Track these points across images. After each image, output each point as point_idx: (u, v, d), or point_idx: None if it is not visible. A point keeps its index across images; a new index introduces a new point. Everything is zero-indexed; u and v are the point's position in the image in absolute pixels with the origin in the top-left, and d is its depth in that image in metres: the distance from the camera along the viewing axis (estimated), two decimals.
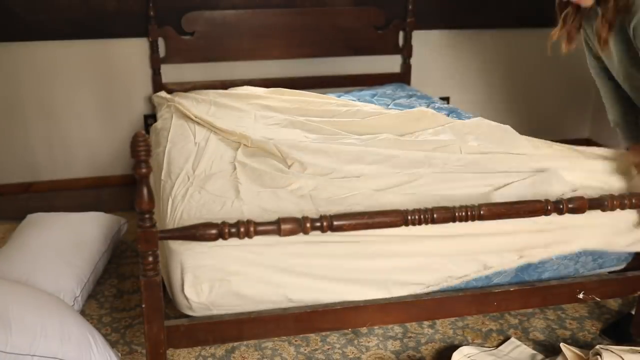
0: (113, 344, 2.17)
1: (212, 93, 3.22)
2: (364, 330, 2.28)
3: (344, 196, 1.94)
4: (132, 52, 3.38)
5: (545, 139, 4.15)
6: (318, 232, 1.57)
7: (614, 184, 2.07)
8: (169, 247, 1.71)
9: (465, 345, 2.19)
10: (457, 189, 1.99)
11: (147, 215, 1.49)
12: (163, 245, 1.74)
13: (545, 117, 4.17)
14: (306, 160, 2.20)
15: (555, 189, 1.98)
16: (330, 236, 1.69)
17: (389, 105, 3.13)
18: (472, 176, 2.10)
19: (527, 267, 1.93)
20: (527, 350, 2.17)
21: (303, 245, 1.73)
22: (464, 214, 1.61)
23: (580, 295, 1.92)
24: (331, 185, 2.01)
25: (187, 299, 1.69)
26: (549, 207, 1.67)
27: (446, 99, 3.81)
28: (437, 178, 2.08)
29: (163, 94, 3.28)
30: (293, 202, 1.92)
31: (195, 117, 2.78)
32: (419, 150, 2.33)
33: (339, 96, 3.31)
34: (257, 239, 1.65)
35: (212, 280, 1.68)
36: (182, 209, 1.89)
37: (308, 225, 1.53)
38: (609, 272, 2.06)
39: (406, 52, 3.67)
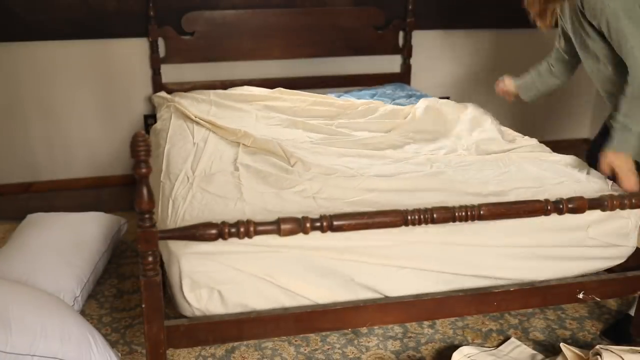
0: (113, 344, 2.17)
1: (212, 93, 3.22)
2: (364, 330, 2.28)
3: (349, 200, 1.93)
4: (132, 52, 3.38)
5: (545, 139, 4.15)
6: (318, 232, 1.58)
7: None
8: (168, 249, 1.70)
9: (465, 345, 2.19)
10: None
11: (147, 215, 1.49)
12: (164, 246, 1.74)
13: (545, 117, 4.17)
14: (310, 160, 2.20)
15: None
16: (331, 241, 1.70)
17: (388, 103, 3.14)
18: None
19: None
20: (527, 350, 2.17)
21: (304, 253, 1.73)
22: (463, 214, 1.61)
23: (580, 295, 1.92)
24: (336, 188, 2.00)
25: (188, 303, 1.69)
26: (549, 207, 1.67)
27: (446, 99, 3.82)
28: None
29: (163, 94, 3.28)
30: (297, 203, 1.91)
31: (195, 117, 2.78)
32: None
33: (338, 96, 3.32)
34: (258, 246, 1.66)
35: (210, 287, 1.68)
36: (184, 209, 1.88)
37: (308, 225, 1.53)
38: (609, 272, 2.06)
39: (406, 52, 3.67)
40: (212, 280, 1.68)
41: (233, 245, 1.65)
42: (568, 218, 1.84)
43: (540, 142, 2.53)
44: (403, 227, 1.65)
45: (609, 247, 1.96)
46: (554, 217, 1.77)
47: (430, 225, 1.67)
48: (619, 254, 1.99)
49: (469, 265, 1.84)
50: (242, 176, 2.12)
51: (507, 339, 2.24)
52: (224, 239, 1.50)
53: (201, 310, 1.70)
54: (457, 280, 1.85)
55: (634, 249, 2.00)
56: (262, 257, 1.70)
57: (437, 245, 1.81)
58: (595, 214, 1.87)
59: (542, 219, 1.80)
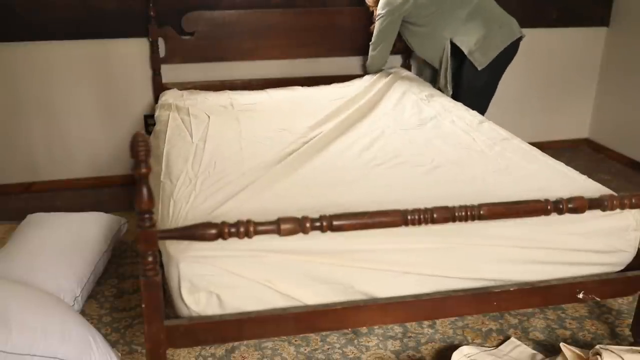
0: (113, 344, 2.17)
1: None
2: (364, 330, 2.28)
3: (351, 202, 1.93)
4: (132, 52, 3.38)
5: (545, 138, 4.13)
6: (318, 237, 1.58)
7: None
8: (167, 252, 1.70)
9: (465, 345, 2.19)
10: None
11: (146, 215, 1.48)
12: (163, 250, 1.74)
13: (545, 116, 4.17)
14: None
15: None
16: (331, 247, 1.71)
17: None
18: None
19: None
20: (527, 350, 2.17)
21: (304, 259, 1.73)
22: (463, 213, 1.61)
23: (580, 295, 1.92)
24: (341, 195, 2.01)
25: (186, 306, 1.69)
26: (549, 207, 1.67)
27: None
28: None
29: (175, 91, 3.26)
30: (299, 202, 1.91)
31: None
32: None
33: None
34: (258, 251, 1.66)
35: (209, 291, 1.68)
36: (187, 210, 1.88)
37: (308, 225, 1.52)
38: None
39: (406, 52, 3.67)
40: (211, 284, 1.67)
41: (233, 249, 1.65)
42: (568, 224, 1.85)
43: (541, 142, 2.54)
44: (404, 232, 1.65)
45: (609, 253, 1.96)
46: (555, 223, 1.79)
47: (431, 228, 1.67)
48: (619, 261, 1.99)
49: (469, 270, 1.85)
50: (244, 176, 2.12)
51: (507, 338, 2.24)
52: (224, 238, 1.49)
53: (199, 314, 1.70)
54: (457, 285, 1.85)
55: (634, 255, 2.00)
56: (262, 262, 1.70)
57: (437, 250, 1.82)
58: (596, 220, 1.88)
59: (543, 225, 1.81)
